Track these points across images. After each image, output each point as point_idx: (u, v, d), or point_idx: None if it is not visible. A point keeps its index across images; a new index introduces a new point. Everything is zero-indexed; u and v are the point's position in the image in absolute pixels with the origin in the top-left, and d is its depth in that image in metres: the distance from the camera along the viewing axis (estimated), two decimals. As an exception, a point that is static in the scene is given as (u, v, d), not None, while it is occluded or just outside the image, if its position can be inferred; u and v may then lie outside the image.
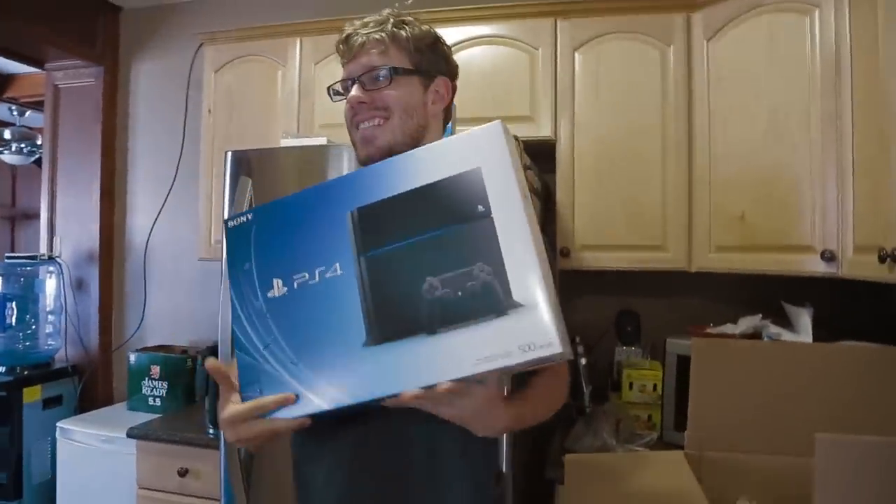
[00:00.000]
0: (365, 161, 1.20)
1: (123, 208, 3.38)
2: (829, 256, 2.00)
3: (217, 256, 2.72)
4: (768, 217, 2.22)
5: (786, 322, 2.35)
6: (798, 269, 2.13)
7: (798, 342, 2.00)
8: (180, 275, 3.27)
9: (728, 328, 2.39)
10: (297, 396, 1.01)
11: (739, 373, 1.38)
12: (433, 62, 1.23)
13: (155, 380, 2.91)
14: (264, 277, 1.06)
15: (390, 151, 1.16)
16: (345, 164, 2.17)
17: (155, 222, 3.26)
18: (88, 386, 3.29)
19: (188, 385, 2.95)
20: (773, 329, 2.30)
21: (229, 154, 2.21)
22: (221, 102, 2.84)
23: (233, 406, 1.05)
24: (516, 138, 2.14)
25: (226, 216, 2.17)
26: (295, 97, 2.72)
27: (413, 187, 1.01)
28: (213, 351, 2.48)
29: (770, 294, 2.43)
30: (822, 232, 2.05)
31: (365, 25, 1.20)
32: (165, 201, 3.24)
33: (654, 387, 2.45)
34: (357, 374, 0.98)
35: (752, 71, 2.26)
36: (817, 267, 2.06)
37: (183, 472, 2.47)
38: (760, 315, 2.37)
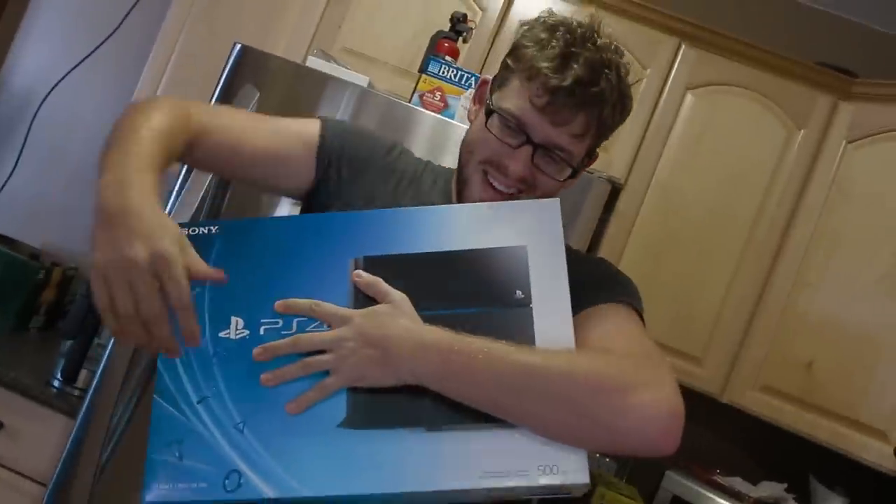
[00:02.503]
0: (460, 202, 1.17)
1: (11, 31, 2.90)
2: (906, 456, 1.98)
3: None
4: (843, 379, 2.16)
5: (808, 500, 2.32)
6: (859, 454, 2.09)
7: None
8: (70, 155, 2.88)
9: (739, 484, 2.34)
10: (236, 474, 0.92)
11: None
12: (601, 142, 1.15)
13: (-20, 280, 2.50)
14: (219, 311, 0.99)
15: None
16: (373, 117, 1.92)
17: (66, 76, 2.80)
18: None
19: (28, 303, 2.57)
20: (795, 507, 2.27)
21: (237, 47, 1.90)
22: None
23: None
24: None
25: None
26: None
27: (440, 250, 1.00)
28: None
29: (796, 459, 2.39)
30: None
31: (592, 71, 1.04)
32: (93, 52, 2.80)
33: (629, 519, 2.35)
34: (323, 461, 0.92)
35: (889, 202, 2.20)
36: (884, 460, 2.03)
37: (-6, 426, 2.14)
38: (786, 485, 2.32)
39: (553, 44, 1.04)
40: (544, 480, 0.89)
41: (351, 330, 0.94)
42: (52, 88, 2.83)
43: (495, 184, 1.10)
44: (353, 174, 1.18)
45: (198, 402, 0.96)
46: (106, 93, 2.87)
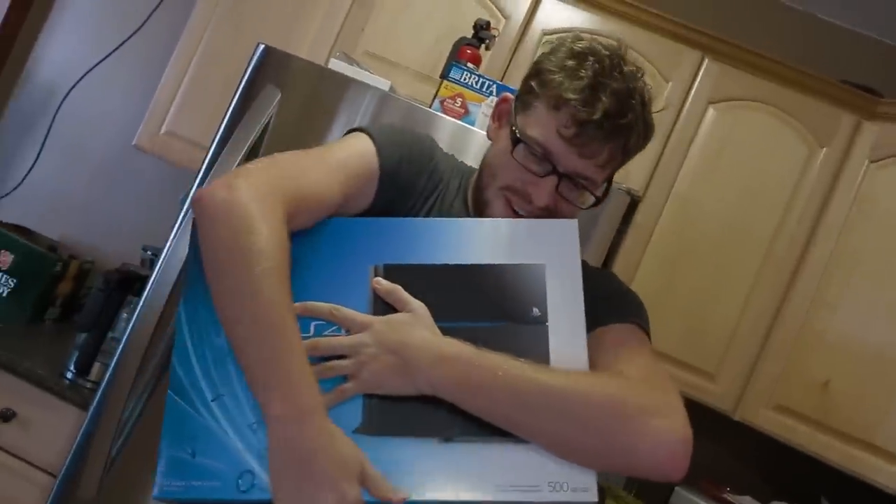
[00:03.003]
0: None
1: (38, 24, 2.92)
2: (922, 481, 1.95)
3: (160, 153, 2.45)
4: (860, 401, 2.13)
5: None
6: (872, 478, 2.06)
7: None
8: (92, 150, 2.89)
9: (749, 503, 2.31)
10: (249, 474, 0.91)
11: None
12: (621, 166, 1.17)
13: (1, 271, 2.50)
14: None
15: None
16: (394, 121, 1.89)
17: (90, 71, 2.82)
18: None
19: (45, 294, 2.57)
20: (804, 529, 2.25)
21: (261, 47, 1.89)
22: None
23: None
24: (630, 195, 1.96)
25: (225, 123, 1.84)
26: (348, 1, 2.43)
27: (459, 262, 1.01)
28: (122, 279, 2.16)
29: (808, 481, 2.37)
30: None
31: (620, 103, 1.04)
32: (118, 49, 2.82)
33: (636, 534, 2.34)
34: None
35: (911, 223, 2.17)
36: (898, 485, 2.01)
37: (8, 415, 2.13)
38: (796, 506, 2.30)
39: (581, 73, 1.04)
40: (554, 497, 0.91)
41: (371, 336, 0.95)
42: (76, 83, 2.85)
43: (518, 210, 1.11)
44: (400, 201, 1.16)
45: (212, 400, 0.95)
46: (129, 89, 2.89)
